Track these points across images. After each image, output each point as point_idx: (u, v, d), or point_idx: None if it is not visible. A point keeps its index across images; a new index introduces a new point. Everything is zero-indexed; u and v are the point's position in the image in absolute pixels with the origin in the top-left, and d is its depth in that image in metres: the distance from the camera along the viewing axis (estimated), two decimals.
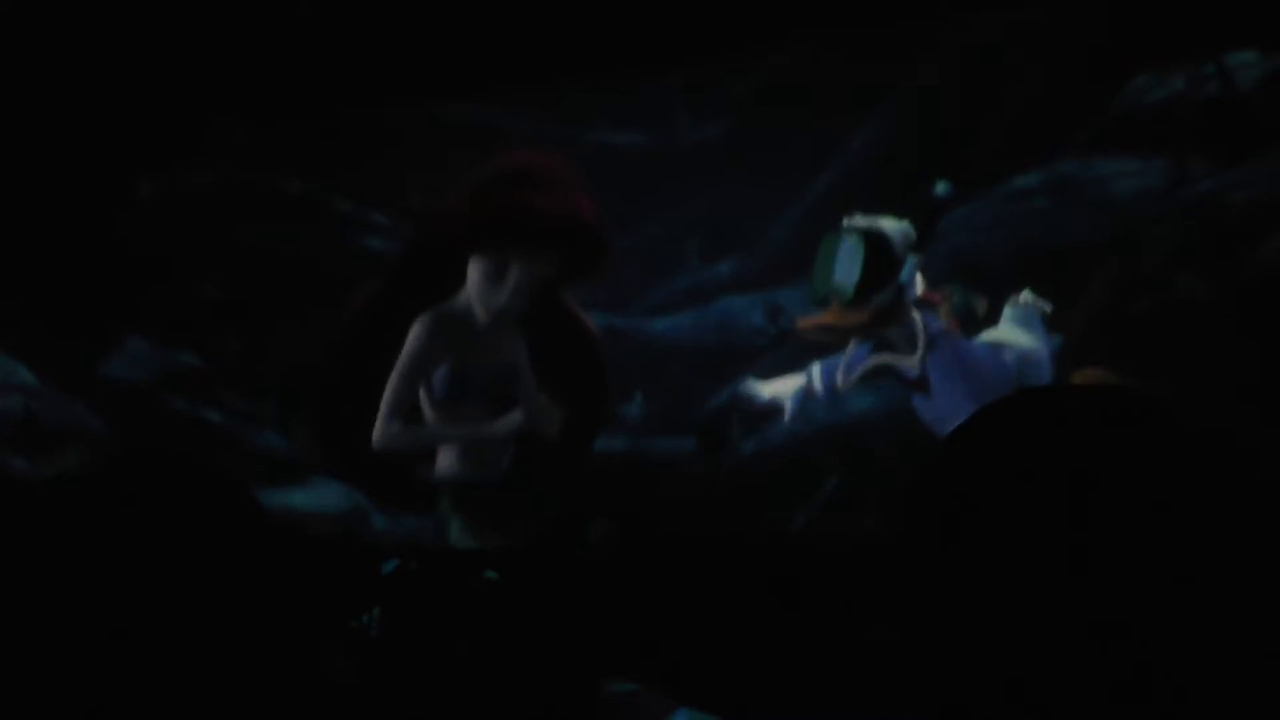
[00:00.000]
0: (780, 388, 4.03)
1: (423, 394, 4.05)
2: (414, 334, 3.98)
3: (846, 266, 3.78)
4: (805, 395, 4.00)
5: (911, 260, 3.76)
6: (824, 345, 3.97)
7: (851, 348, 3.90)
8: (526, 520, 3.88)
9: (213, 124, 4.39)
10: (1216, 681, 0.86)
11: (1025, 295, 3.86)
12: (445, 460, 4.08)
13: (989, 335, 3.85)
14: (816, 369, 3.98)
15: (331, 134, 4.46)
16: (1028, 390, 1.02)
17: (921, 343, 3.72)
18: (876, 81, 4.04)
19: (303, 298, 4.42)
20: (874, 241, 3.76)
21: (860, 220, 3.82)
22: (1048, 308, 3.83)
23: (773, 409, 4.03)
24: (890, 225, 3.81)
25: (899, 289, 3.78)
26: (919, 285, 3.81)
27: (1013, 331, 3.83)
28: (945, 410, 3.71)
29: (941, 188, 3.71)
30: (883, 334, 3.83)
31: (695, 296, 4.33)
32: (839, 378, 3.89)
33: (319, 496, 4.30)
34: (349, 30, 4.17)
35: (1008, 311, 3.88)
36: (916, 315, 3.76)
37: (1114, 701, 0.87)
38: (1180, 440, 0.93)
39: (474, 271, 3.98)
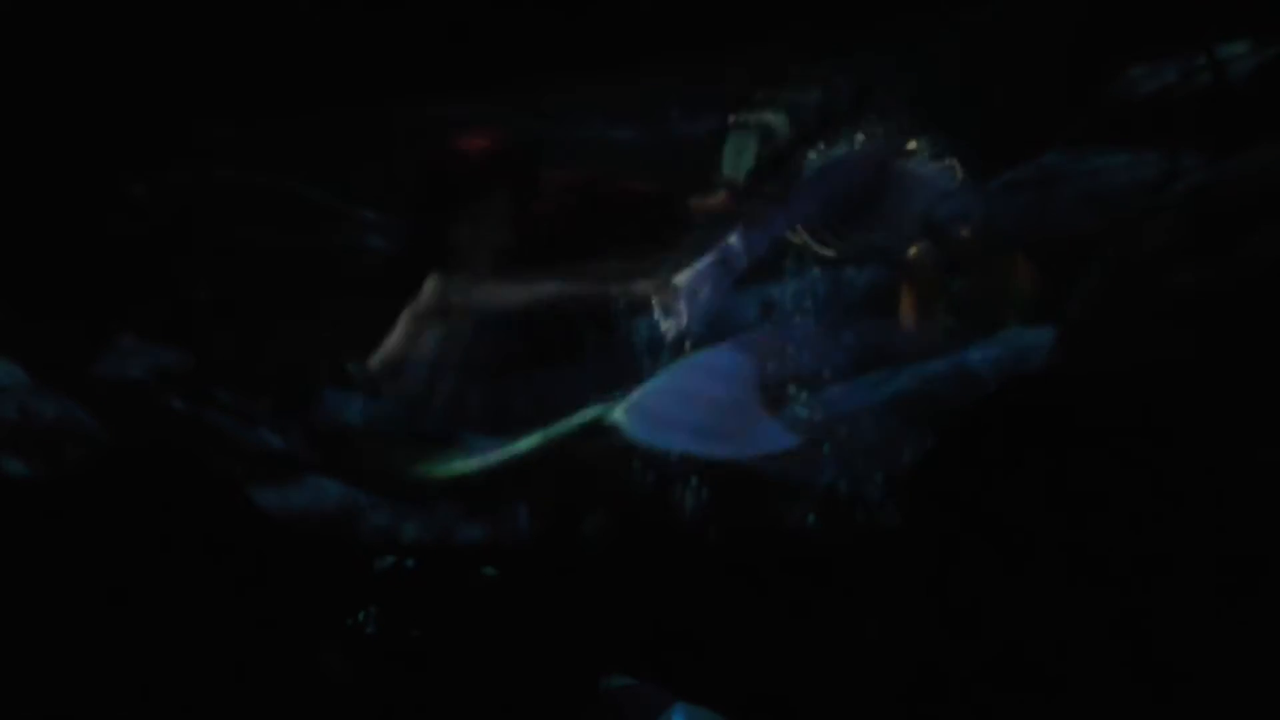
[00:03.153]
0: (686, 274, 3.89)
1: None
2: None
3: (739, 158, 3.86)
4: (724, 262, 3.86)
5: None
6: None
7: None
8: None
9: (206, 122, 4.39)
10: (1218, 675, 0.87)
11: None
12: None
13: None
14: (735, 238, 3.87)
15: (327, 133, 4.45)
16: (1018, 381, 1.02)
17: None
18: (872, 75, 4.04)
19: (298, 297, 4.41)
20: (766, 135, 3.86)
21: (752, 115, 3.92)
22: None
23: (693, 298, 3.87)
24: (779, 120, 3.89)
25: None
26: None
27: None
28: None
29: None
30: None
31: None
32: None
33: (315, 495, 4.30)
34: (343, 28, 4.16)
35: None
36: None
37: (1110, 692, 0.87)
38: (1176, 432, 0.93)
39: None
